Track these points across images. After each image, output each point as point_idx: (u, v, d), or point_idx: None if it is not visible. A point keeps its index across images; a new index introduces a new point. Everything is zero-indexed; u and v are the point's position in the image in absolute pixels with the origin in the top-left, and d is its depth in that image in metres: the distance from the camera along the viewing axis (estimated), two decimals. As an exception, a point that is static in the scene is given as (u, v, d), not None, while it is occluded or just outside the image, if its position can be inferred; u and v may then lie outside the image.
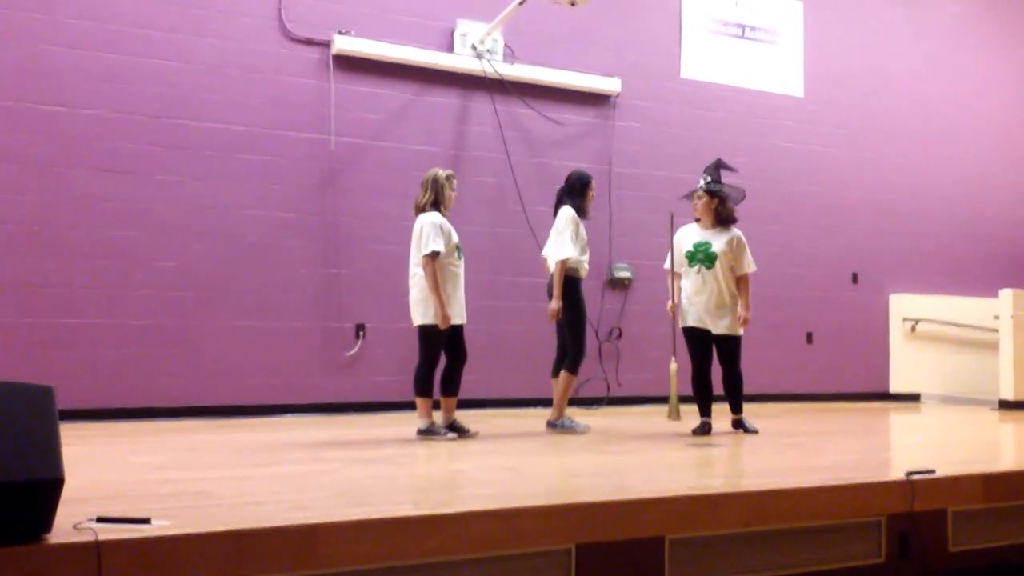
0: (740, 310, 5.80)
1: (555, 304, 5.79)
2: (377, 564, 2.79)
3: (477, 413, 6.83)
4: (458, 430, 5.52)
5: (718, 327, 5.80)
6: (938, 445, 5.92)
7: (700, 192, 5.95)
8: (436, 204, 5.49)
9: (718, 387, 5.94)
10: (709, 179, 5.96)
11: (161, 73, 6.95)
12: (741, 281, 5.86)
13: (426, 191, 5.53)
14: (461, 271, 5.56)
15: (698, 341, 5.85)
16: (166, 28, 6.98)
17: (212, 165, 7.09)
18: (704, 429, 5.79)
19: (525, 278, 7.48)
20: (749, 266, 5.89)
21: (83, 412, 6.31)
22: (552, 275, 5.89)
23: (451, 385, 5.53)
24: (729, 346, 5.85)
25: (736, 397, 5.91)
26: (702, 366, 5.84)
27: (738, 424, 5.91)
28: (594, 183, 6.15)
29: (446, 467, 4.53)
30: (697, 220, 6.01)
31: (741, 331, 5.87)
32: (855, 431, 6.45)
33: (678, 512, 3.31)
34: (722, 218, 5.92)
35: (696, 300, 5.83)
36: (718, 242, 5.84)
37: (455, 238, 5.49)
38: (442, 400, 5.54)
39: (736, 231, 5.94)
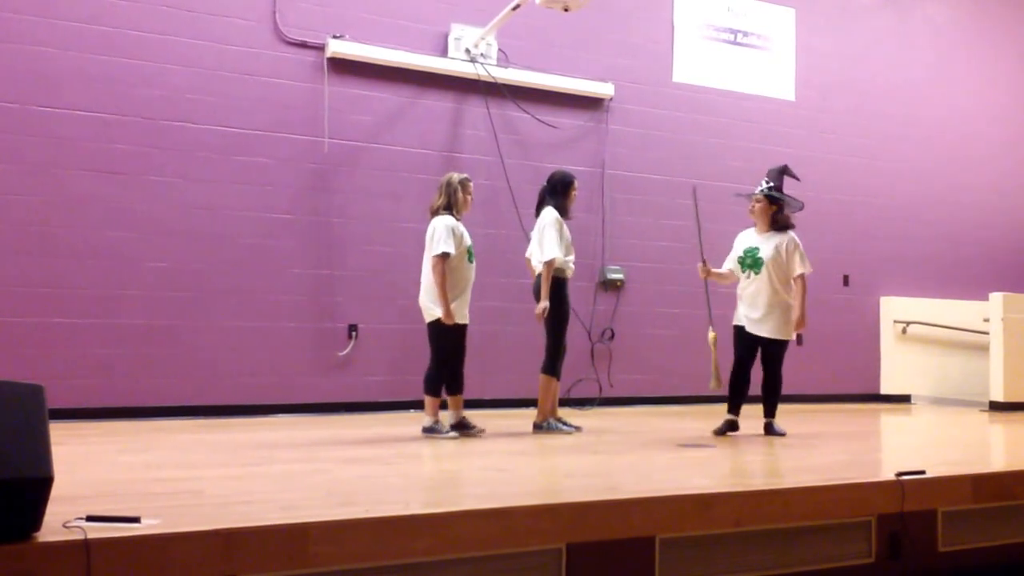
0: (795, 312, 5.79)
1: (543, 304, 5.77)
2: (368, 563, 2.79)
3: (467, 413, 6.81)
4: (465, 427, 5.56)
5: (761, 330, 5.82)
6: (928, 446, 5.95)
7: (759, 196, 5.94)
8: (449, 207, 5.56)
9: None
10: (771, 184, 5.95)
11: (156, 75, 6.94)
12: (796, 283, 5.83)
13: (440, 194, 5.63)
14: (471, 274, 5.64)
15: (743, 340, 5.89)
16: (161, 31, 6.97)
17: (206, 166, 7.08)
18: (730, 427, 5.82)
19: (516, 279, 7.47)
20: (801, 268, 5.84)
21: (74, 411, 6.29)
22: (538, 276, 5.89)
23: (454, 384, 5.59)
24: (772, 349, 5.87)
25: (772, 400, 5.96)
26: (742, 364, 5.90)
27: (769, 428, 5.93)
28: (576, 183, 6.10)
29: (437, 467, 4.54)
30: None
31: (787, 335, 5.85)
32: (846, 432, 6.47)
33: (669, 512, 3.32)
34: (779, 224, 5.92)
35: (744, 302, 5.90)
36: (767, 247, 5.85)
37: (467, 242, 5.57)
38: (449, 399, 5.60)
39: (790, 234, 5.90)
